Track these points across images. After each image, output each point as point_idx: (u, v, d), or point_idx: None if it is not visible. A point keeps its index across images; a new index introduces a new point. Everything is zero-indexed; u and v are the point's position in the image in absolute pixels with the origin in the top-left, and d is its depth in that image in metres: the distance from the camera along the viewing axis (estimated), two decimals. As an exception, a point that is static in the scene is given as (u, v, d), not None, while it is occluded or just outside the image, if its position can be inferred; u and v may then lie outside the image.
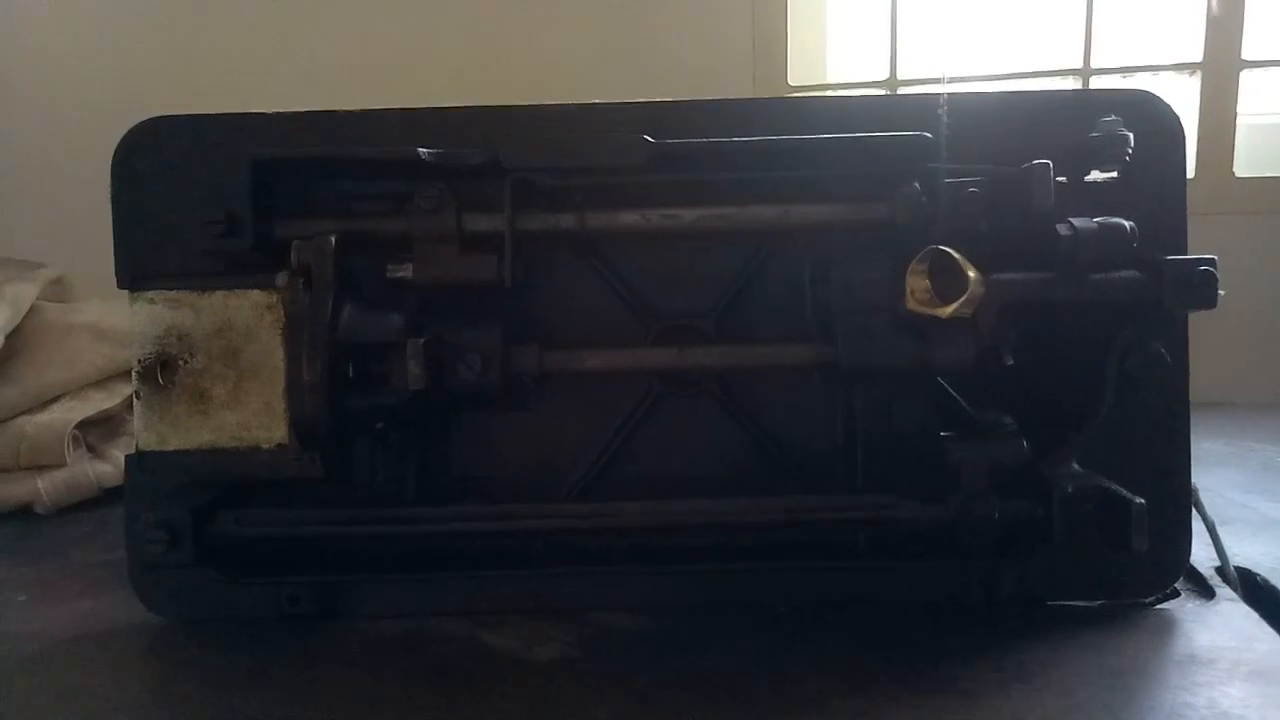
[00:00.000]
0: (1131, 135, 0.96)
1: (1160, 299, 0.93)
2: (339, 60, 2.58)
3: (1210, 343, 2.01)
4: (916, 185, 0.96)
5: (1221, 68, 2.22)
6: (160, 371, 1.04)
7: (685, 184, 0.99)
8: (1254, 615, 0.99)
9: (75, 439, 1.47)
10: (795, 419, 1.05)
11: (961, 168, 0.96)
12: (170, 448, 1.03)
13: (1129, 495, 0.88)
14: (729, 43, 2.42)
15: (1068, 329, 0.99)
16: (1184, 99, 2.26)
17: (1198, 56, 2.23)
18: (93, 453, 1.50)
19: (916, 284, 0.91)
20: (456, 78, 2.44)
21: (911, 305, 0.91)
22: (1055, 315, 0.96)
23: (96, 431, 1.52)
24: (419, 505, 1.00)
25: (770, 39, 2.41)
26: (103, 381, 1.55)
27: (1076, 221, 0.93)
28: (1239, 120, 2.28)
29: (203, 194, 1.00)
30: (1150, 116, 1.02)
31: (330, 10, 2.63)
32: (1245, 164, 2.29)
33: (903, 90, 2.40)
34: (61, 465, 1.44)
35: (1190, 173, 2.22)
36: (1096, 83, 2.29)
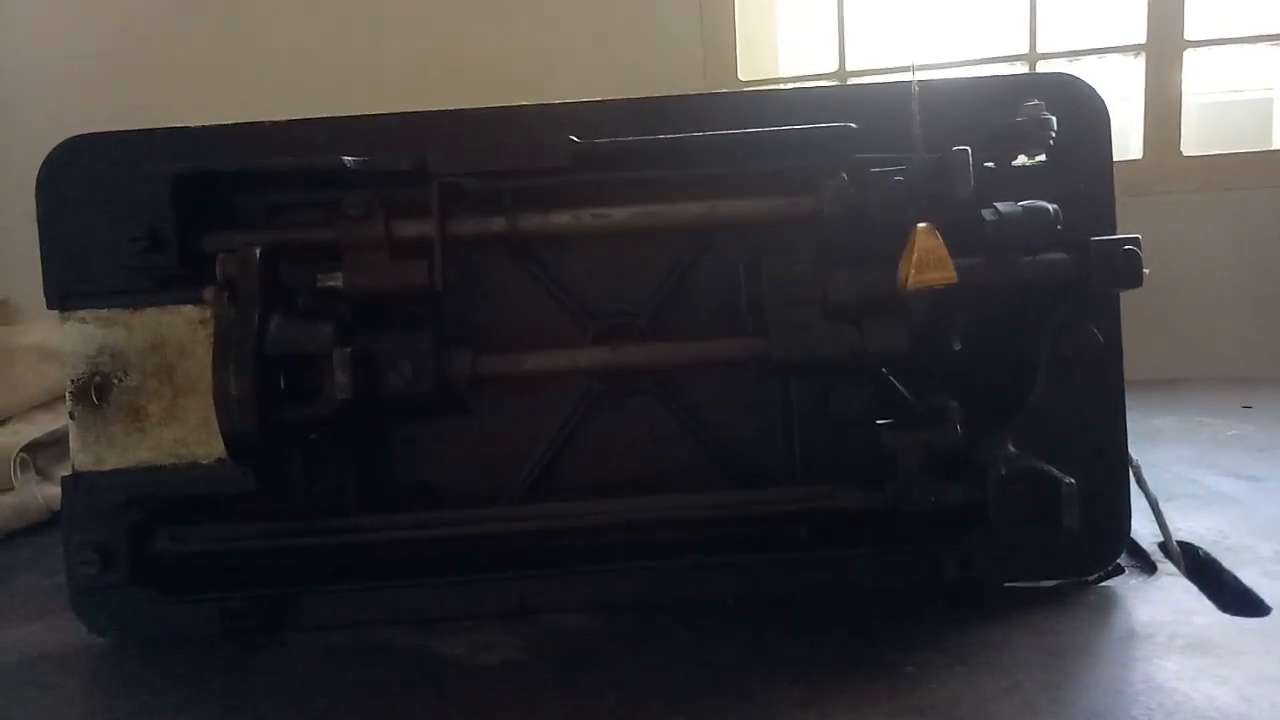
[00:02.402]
0: (1054, 119, 0.96)
1: (1087, 279, 0.94)
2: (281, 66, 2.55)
3: (1162, 320, 2.05)
4: (844, 176, 0.96)
5: (1165, 48, 2.24)
6: (94, 391, 1.04)
7: (616, 183, 0.99)
8: (1193, 589, 1.00)
9: (23, 462, 1.46)
10: (734, 414, 1.05)
11: (887, 157, 0.96)
12: (107, 467, 1.02)
13: (1060, 475, 0.89)
14: (678, 40, 2.42)
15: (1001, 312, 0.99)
16: (1129, 81, 2.28)
17: (1141, 38, 2.25)
18: (41, 475, 1.48)
19: (929, 243, 0.89)
20: (403, 79, 2.42)
21: (913, 278, 0.89)
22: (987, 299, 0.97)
23: (45, 454, 1.50)
24: (360, 514, 1.00)
25: (719, 35, 2.42)
26: (50, 403, 1.53)
27: (1001, 206, 0.94)
28: (1189, 100, 2.30)
29: (130, 210, 0.98)
30: (1074, 99, 1.03)
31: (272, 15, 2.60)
32: (1195, 143, 2.32)
33: (852, 81, 2.41)
34: (9, 489, 1.42)
35: (1138, 153, 2.25)
36: (1043, 68, 2.31)
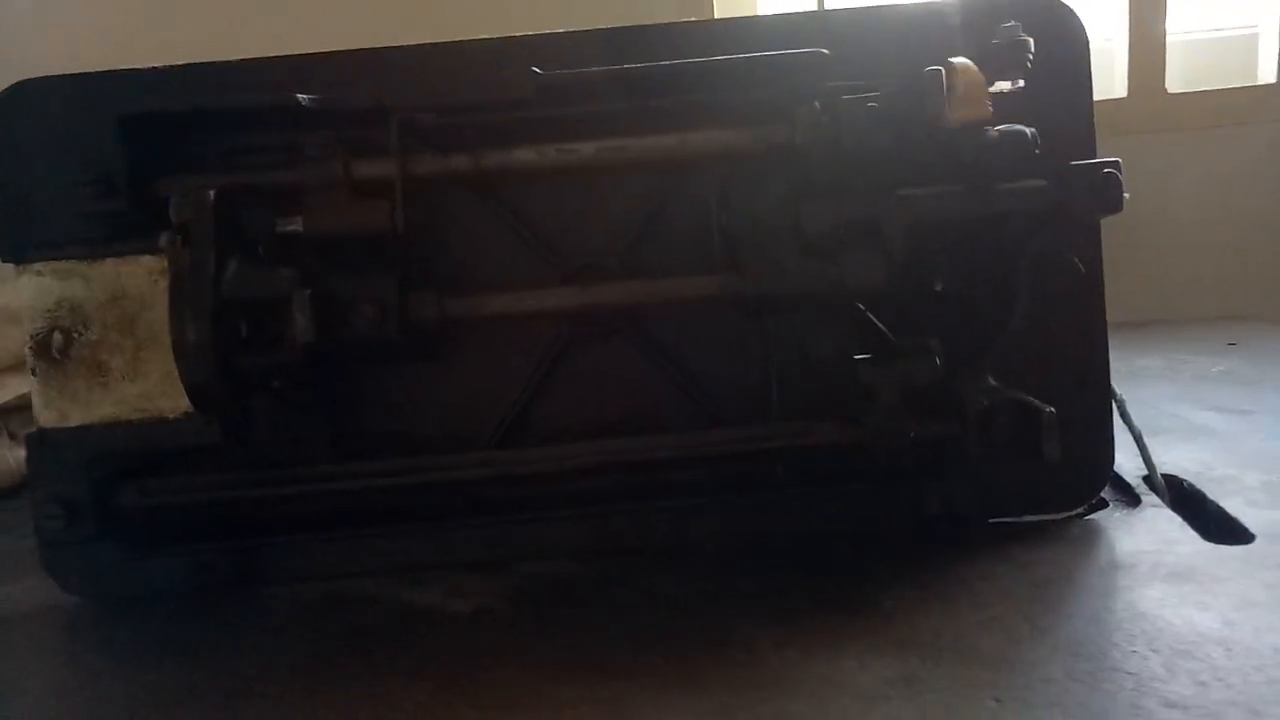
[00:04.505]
0: (1031, 41, 0.93)
1: (1067, 205, 0.92)
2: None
3: (1148, 259, 2.03)
4: (816, 104, 0.93)
5: (1149, -17, 2.20)
6: (55, 346, 1.01)
7: (583, 118, 0.96)
8: (1177, 520, 0.99)
9: (-7, 426, 1.43)
10: (710, 353, 1.02)
11: (861, 84, 0.93)
12: (71, 423, 0.99)
13: (1040, 405, 0.87)
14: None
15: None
16: (1112, 18, 2.24)
17: (1125, -27, 2.21)
18: (13, 439, 1.45)
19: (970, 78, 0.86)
20: (363, 12, 2.34)
21: (959, 112, 0.86)
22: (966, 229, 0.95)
23: (17, 418, 1.48)
24: (331, 463, 0.98)
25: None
26: (18, 367, 1.50)
27: (978, 131, 0.91)
28: (1173, 37, 2.26)
29: (82, 156, 0.95)
30: (1054, 22, 1.00)
31: None
32: (1180, 80, 2.29)
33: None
34: (-21, 454, 1.40)
35: (1122, 92, 2.22)
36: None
